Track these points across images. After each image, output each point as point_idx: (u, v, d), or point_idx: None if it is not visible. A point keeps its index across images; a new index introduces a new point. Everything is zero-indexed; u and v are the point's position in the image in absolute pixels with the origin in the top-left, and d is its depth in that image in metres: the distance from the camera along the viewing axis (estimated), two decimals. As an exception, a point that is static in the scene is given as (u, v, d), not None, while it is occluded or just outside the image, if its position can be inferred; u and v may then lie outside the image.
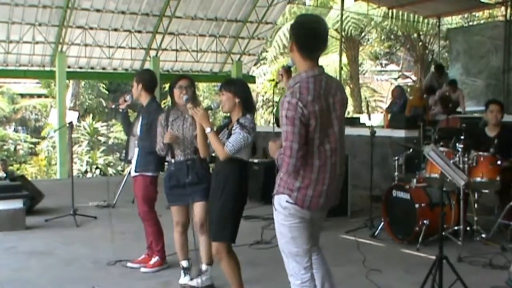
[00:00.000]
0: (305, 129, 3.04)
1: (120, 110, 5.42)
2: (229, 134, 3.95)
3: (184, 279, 4.78)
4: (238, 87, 4.04)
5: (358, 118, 13.76)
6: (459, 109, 11.46)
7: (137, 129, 5.22)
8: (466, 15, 20.99)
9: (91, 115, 25.69)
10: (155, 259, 5.31)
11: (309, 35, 3.13)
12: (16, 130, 26.97)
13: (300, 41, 3.13)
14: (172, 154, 4.65)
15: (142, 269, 5.28)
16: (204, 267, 4.71)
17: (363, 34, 24.33)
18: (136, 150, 5.21)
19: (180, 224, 4.77)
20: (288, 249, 3.21)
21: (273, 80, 24.96)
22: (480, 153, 5.99)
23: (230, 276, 4.05)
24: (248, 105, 4.04)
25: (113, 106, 5.87)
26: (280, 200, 3.18)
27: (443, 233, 4.36)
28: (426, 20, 19.59)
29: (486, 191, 6.17)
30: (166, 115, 4.72)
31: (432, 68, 15.59)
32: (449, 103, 11.06)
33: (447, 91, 11.55)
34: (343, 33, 18.03)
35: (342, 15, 15.59)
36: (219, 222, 3.92)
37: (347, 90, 24.29)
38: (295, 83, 3.11)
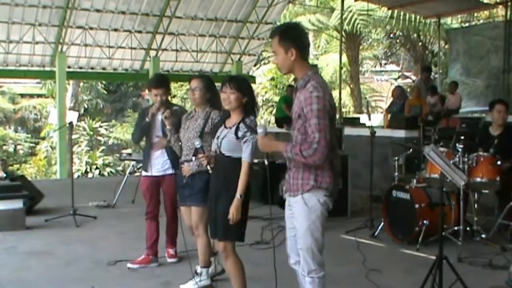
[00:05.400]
0: (329, 121, 3.19)
1: (147, 119, 5.30)
2: (236, 135, 3.86)
3: (186, 285, 4.73)
4: (247, 85, 4.01)
5: (358, 118, 13.76)
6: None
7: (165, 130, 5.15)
8: (466, 15, 20.98)
9: (90, 115, 25.70)
10: (173, 250, 5.54)
11: (305, 37, 3.35)
12: (16, 130, 26.97)
13: (301, 44, 3.26)
14: (180, 154, 4.68)
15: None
16: (199, 269, 4.70)
17: (363, 35, 24.33)
18: (163, 151, 5.25)
19: (187, 224, 4.80)
20: (317, 244, 3.27)
21: (273, 79, 25.04)
22: (480, 153, 5.99)
23: (235, 275, 4.01)
24: (254, 105, 4.01)
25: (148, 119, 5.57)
26: (318, 196, 3.24)
27: (443, 233, 4.36)
28: (426, 20, 19.60)
29: (486, 191, 6.17)
30: (186, 116, 4.73)
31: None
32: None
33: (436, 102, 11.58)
34: (343, 32, 18.04)
35: (342, 15, 15.59)
36: (227, 222, 3.87)
37: (347, 90, 24.30)
38: (308, 79, 3.22)
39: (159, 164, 5.33)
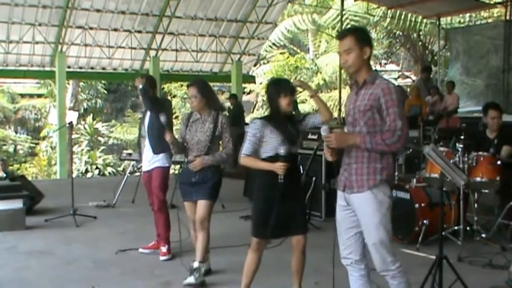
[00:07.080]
0: None
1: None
2: (298, 131, 4.11)
3: (188, 280, 4.72)
4: None
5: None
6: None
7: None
8: (466, 15, 20.98)
9: (90, 115, 25.67)
10: (165, 248, 5.53)
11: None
12: (16, 130, 26.94)
13: (372, 45, 3.42)
14: (186, 153, 4.85)
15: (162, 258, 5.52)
16: (196, 264, 4.72)
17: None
18: (149, 148, 5.56)
19: (191, 219, 4.91)
20: (389, 236, 3.31)
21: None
22: (480, 153, 5.98)
23: (303, 268, 4.16)
24: None
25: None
26: (384, 189, 3.29)
27: (443, 233, 4.36)
28: (426, 20, 19.59)
29: (486, 191, 6.16)
30: (188, 116, 4.92)
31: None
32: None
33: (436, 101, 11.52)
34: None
35: (342, 15, 15.58)
36: (305, 216, 4.08)
37: (347, 90, 24.26)
38: (375, 75, 3.34)
39: (147, 159, 5.59)
